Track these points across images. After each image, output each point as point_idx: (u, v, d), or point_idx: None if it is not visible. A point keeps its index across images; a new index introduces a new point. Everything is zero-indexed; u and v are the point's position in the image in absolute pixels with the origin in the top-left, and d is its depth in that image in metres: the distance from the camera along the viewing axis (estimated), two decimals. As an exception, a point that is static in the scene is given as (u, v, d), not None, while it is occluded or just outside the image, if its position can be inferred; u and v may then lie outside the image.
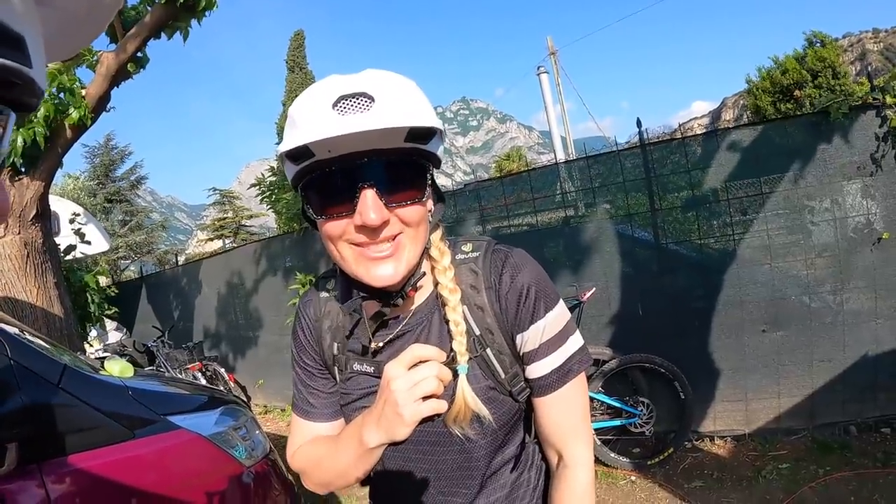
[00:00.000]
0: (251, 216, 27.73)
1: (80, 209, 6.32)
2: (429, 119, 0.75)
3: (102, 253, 8.81)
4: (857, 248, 3.51)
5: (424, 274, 0.87)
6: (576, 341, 0.91)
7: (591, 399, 3.70)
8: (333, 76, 0.76)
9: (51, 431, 1.77)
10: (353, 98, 0.71)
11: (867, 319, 3.52)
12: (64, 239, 4.83)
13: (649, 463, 3.61)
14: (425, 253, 0.88)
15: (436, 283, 0.90)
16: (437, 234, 0.91)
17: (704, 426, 3.88)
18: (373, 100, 0.71)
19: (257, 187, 6.34)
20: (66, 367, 1.92)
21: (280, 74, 29.96)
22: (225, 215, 27.66)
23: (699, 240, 3.91)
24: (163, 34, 3.61)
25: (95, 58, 3.53)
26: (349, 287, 0.89)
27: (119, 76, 3.55)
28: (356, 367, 0.93)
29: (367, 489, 1.07)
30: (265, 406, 6.65)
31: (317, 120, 0.71)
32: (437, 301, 0.90)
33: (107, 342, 6.83)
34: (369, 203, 0.74)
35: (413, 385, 0.74)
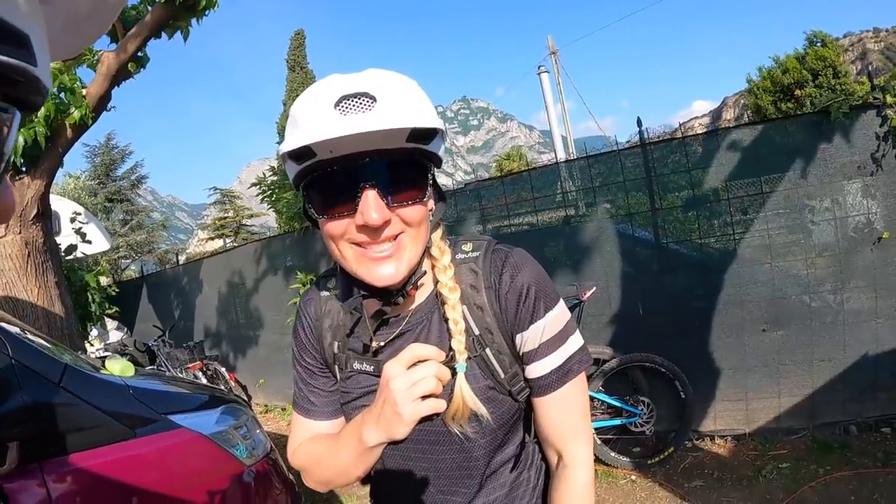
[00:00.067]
0: (252, 215, 27.74)
1: (80, 208, 6.32)
2: (430, 119, 0.75)
3: (103, 252, 8.83)
4: (857, 247, 3.51)
5: (425, 273, 0.88)
6: (576, 341, 0.91)
7: (592, 398, 3.70)
8: (335, 75, 0.76)
9: (52, 430, 1.77)
10: (355, 98, 0.71)
11: (867, 319, 3.52)
12: (65, 238, 4.84)
13: (649, 462, 3.61)
14: (426, 252, 0.88)
15: (436, 282, 0.90)
16: (438, 233, 0.91)
17: (705, 425, 3.88)
18: (375, 100, 0.71)
19: (258, 187, 6.35)
20: (67, 366, 1.92)
21: (281, 74, 29.97)
22: (226, 215, 27.67)
23: (700, 239, 3.91)
24: (163, 34, 3.61)
25: (96, 57, 3.53)
26: (350, 286, 0.89)
27: (120, 76, 3.55)
28: (356, 365, 0.93)
29: (367, 488, 1.08)
30: (266, 405, 6.65)
31: (318, 120, 0.72)
32: (437, 300, 0.90)
33: (108, 341, 6.84)
34: (371, 203, 0.75)
35: (412, 384, 0.74)
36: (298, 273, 5.27)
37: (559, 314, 0.90)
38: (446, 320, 0.87)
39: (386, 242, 0.79)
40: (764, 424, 3.75)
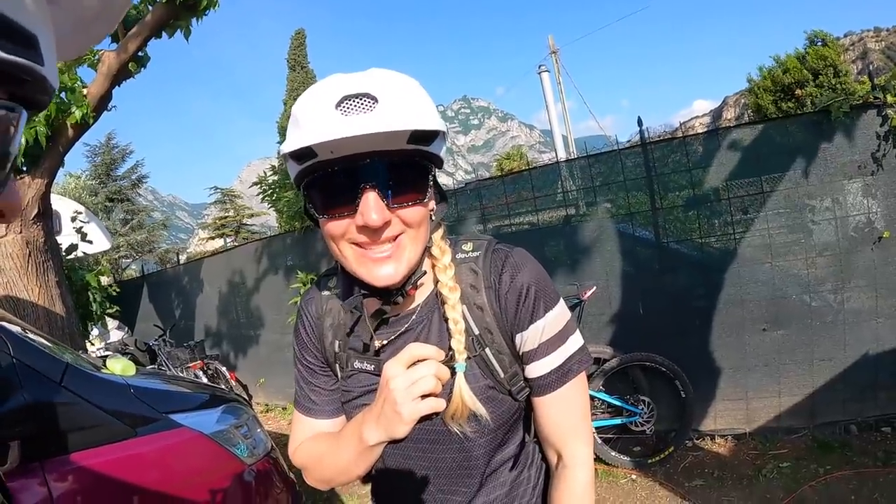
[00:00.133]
0: (252, 215, 27.76)
1: (81, 208, 6.33)
2: (432, 121, 0.75)
3: (104, 252, 8.83)
4: (857, 247, 3.51)
5: (425, 273, 0.88)
6: (576, 341, 0.91)
7: (592, 398, 3.70)
8: (337, 75, 0.76)
9: (53, 429, 1.78)
10: (357, 98, 0.71)
11: (868, 318, 3.52)
12: (65, 238, 4.84)
13: (650, 461, 3.62)
14: (426, 251, 0.88)
15: (436, 282, 0.90)
16: (439, 232, 0.91)
17: (705, 425, 3.89)
18: (376, 100, 0.71)
19: (258, 186, 6.35)
20: (69, 365, 1.93)
21: (281, 73, 29.99)
22: (226, 214, 27.69)
23: (700, 238, 3.91)
24: (164, 33, 3.62)
25: (97, 57, 3.54)
26: (351, 285, 0.89)
27: (120, 75, 3.56)
28: (357, 364, 0.93)
29: (368, 487, 1.08)
30: (266, 404, 6.66)
31: (320, 120, 0.72)
32: (438, 299, 0.91)
33: (108, 341, 6.85)
34: (371, 204, 0.75)
35: (411, 384, 0.75)
36: (299, 272, 5.28)
37: (559, 314, 0.90)
38: (446, 320, 0.87)
39: (386, 243, 0.79)
40: (764, 424, 3.75)
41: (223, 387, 5.40)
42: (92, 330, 5.64)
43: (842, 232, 3.53)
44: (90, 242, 5.19)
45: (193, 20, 3.63)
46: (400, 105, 0.72)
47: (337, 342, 0.96)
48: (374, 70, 0.76)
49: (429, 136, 0.76)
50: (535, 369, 0.89)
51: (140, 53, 3.58)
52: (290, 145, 0.73)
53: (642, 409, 3.68)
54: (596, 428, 3.71)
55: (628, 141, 4.42)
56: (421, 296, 0.93)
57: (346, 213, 0.77)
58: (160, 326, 6.92)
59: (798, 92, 16.28)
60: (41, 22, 0.32)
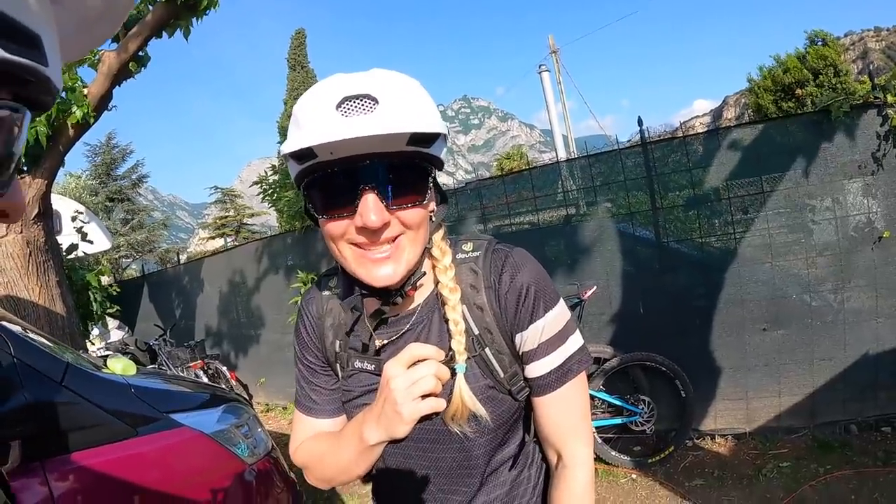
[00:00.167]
0: (252, 214, 27.79)
1: (81, 208, 6.33)
2: (432, 124, 0.75)
3: (104, 251, 8.84)
4: (858, 246, 3.51)
5: (425, 273, 0.88)
6: (575, 341, 0.91)
7: (593, 397, 3.71)
8: (338, 75, 0.77)
9: (54, 429, 1.78)
10: (357, 100, 0.71)
11: (868, 318, 3.52)
12: (66, 238, 4.84)
13: (650, 461, 3.62)
14: (426, 252, 0.88)
15: (436, 282, 0.91)
16: (440, 233, 0.91)
17: (705, 424, 3.89)
18: (376, 102, 0.71)
19: (259, 185, 6.35)
20: (69, 365, 1.93)
21: (281, 73, 30.00)
22: (226, 214, 27.72)
23: (700, 238, 3.91)
24: (164, 33, 3.62)
25: (97, 57, 3.54)
26: (351, 285, 0.90)
27: (121, 75, 3.56)
28: (357, 364, 0.93)
29: (368, 486, 1.08)
30: (267, 404, 6.66)
31: (320, 121, 0.72)
32: (438, 300, 0.91)
33: (109, 340, 6.85)
34: (370, 206, 0.75)
35: (411, 384, 0.75)
36: (299, 272, 5.28)
37: (559, 314, 0.90)
38: (446, 321, 0.87)
39: (385, 244, 0.79)
40: (764, 423, 3.75)
41: (224, 386, 5.40)
42: (92, 329, 5.65)
43: (842, 232, 3.53)
44: (90, 242, 5.20)
45: (193, 20, 3.63)
46: (400, 107, 0.72)
47: (338, 342, 0.96)
48: (375, 70, 0.77)
49: (429, 139, 0.76)
50: (535, 369, 0.90)
51: (140, 53, 3.58)
52: (290, 146, 0.73)
53: (642, 408, 3.69)
54: (596, 427, 3.71)
55: (628, 141, 4.41)
56: (421, 296, 0.93)
57: (346, 213, 0.78)
58: (160, 326, 6.93)
59: (798, 91, 16.28)
60: (45, 22, 0.33)
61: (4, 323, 1.98)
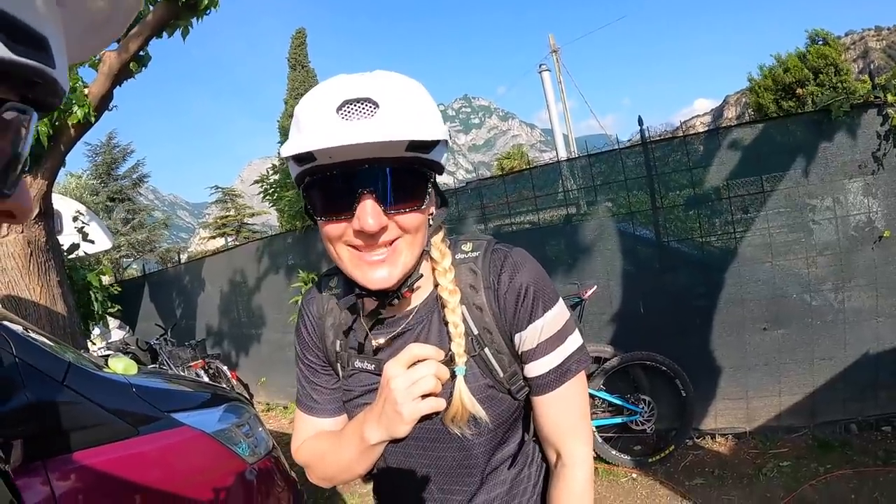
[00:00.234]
0: (253, 214, 27.81)
1: (82, 207, 6.35)
2: (432, 131, 0.75)
3: (105, 251, 8.85)
4: (858, 246, 3.51)
5: (422, 276, 0.88)
6: (574, 341, 0.92)
7: (593, 396, 3.71)
8: (341, 76, 0.77)
9: (55, 428, 1.78)
10: (358, 103, 0.72)
11: (868, 318, 3.52)
12: (67, 237, 4.85)
13: (650, 460, 3.62)
14: (426, 254, 0.89)
15: (436, 284, 0.91)
16: (439, 235, 0.91)
17: (705, 424, 3.89)
18: (377, 106, 0.71)
19: (260, 185, 6.36)
20: (71, 364, 1.93)
21: (282, 72, 30.00)
22: (227, 213, 27.74)
23: (700, 238, 3.91)
24: (164, 33, 3.62)
25: (98, 57, 3.54)
26: (351, 285, 0.90)
27: (121, 75, 3.56)
28: (357, 364, 0.94)
29: (369, 486, 1.09)
30: (267, 403, 6.67)
31: (320, 124, 0.72)
32: (437, 301, 0.91)
33: (110, 340, 6.86)
34: (368, 210, 0.75)
35: (412, 384, 0.76)
36: (300, 271, 5.28)
37: (558, 314, 0.90)
38: (446, 323, 0.88)
39: (382, 247, 0.80)
40: (765, 423, 3.75)
41: (224, 386, 5.41)
42: (93, 329, 5.65)
43: (842, 231, 3.53)
44: (91, 242, 5.20)
45: (193, 20, 3.64)
46: (400, 113, 0.72)
47: (338, 342, 0.97)
48: (378, 73, 0.77)
49: (428, 145, 0.76)
50: (534, 369, 0.90)
51: (141, 53, 3.59)
52: (290, 149, 0.74)
53: (643, 408, 3.69)
54: (597, 427, 3.71)
55: (629, 140, 4.42)
56: (420, 297, 0.93)
57: (344, 216, 0.78)
58: (161, 326, 6.93)
59: (799, 91, 16.27)
60: (52, 24, 0.33)
61: (6, 323, 1.98)
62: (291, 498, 2.36)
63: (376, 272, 0.80)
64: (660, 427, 3.75)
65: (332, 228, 0.80)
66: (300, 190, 0.82)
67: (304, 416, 1.03)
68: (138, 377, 2.32)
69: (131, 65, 3.54)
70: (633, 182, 4.11)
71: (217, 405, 2.36)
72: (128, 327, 8.39)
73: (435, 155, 0.79)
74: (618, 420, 3.75)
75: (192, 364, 5.87)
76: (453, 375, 0.83)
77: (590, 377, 3.70)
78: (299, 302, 1.09)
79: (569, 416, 0.93)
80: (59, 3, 0.35)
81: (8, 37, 0.29)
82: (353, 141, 0.68)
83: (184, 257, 12.84)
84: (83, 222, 5.21)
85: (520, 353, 0.91)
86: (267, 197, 6.43)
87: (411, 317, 0.92)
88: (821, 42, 17.41)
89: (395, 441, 0.81)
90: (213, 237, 27.02)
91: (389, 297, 0.85)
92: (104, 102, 3.58)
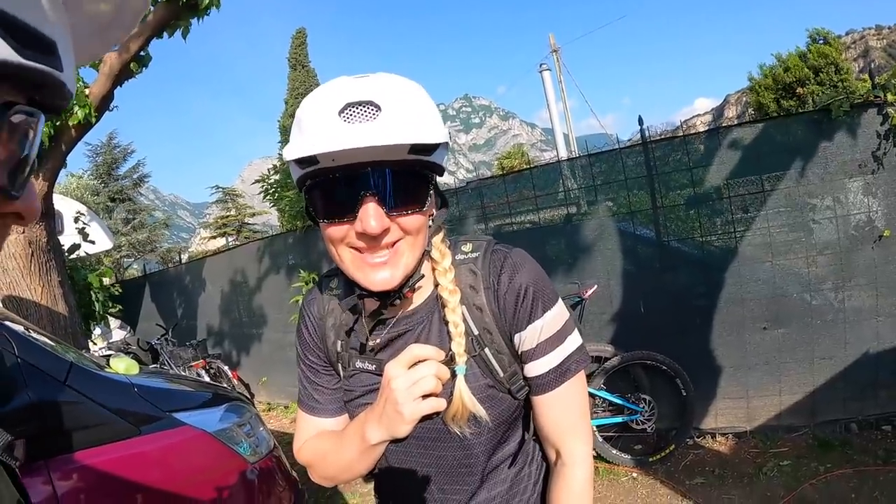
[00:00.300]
0: (254, 214, 27.80)
1: (83, 208, 6.35)
2: (433, 134, 0.75)
3: (106, 251, 8.86)
4: (858, 245, 3.51)
5: (423, 276, 0.89)
6: (574, 341, 0.92)
7: (594, 396, 3.71)
8: (342, 77, 0.77)
9: (57, 428, 1.79)
10: (360, 106, 0.72)
11: (868, 317, 3.52)
12: (68, 238, 4.86)
13: (651, 459, 3.62)
14: (426, 255, 0.89)
15: (436, 284, 0.91)
16: (439, 236, 0.92)
17: (706, 423, 3.89)
18: (379, 109, 0.72)
19: (260, 184, 6.36)
20: (73, 364, 1.94)
21: (282, 71, 30.01)
22: (228, 213, 27.74)
23: (701, 237, 3.91)
24: (164, 33, 3.62)
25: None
26: (351, 286, 0.90)
27: (122, 75, 3.57)
28: (358, 364, 0.94)
29: (370, 485, 1.09)
30: (268, 403, 6.67)
31: (322, 127, 0.72)
32: (438, 301, 0.92)
33: (111, 340, 6.87)
34: (370, 212, 0.76)
35: (412, 384, 0.76)
36: (301, 271, 5.29)
37: (557, 314, 0.91)
38: (446, 323, 0.88)
39: (383, 249, 0.80)
40: (765, 422, 3.75)
41: (225, 385, 5.42)
42: (94, 329, 5.66)
43: (842, 230, 3.53)
44: (92, 242, 5.21)
45: (194, 20, 3.64)
46: (402, 116, 0.73)
47: (339, 342, 0.97)
48: (380, 75, 0.77)
49: (430, 148, 0.77)
50: (534, 368, 0.90)
51: (142, 53, 3.59)
52: (292, 152, 0.74)
53: (643, 407, 3.69)
54: (597, 426, 3.71)
55: (629, 139, 4.42)
56: (421, 297, 0.94)
57: (346, 219, 0.78)
58: (162, 326, 6.94)
59: (799, 90, 16.27)
60: (60, 28, 0.33)
61: (8, 323, 1.99)
62: (293, 497, 2.37)
63: (378, 274, 0.81)
64: (660, 426, 3.76)
65: (334, 231, 0.81)
66: (302, 192, 0.83)
67: (305, 417, 1.04)
68: (140, 377, 2.32)
69: (132, 65, 3.55)
70: (634, 181, 4.11)
71: (218, 405, 2.37)
72: (129, 327, 8.40)
73: (436, 157, 0.80)
74: (618, 419, 3.75)
75: (193, 364, 5.88)
76: (454, 375, 0.84)
77: (590, 376, 3.71)
78: (300, 302, 1.10)
79: (568, 416, 0.93)
80: (67, 6, 0.35)
81: (16, 41, 0.29)
82: (356, 145, 0.69)
83: (184, 257, 12.85)
84: (84, 223, 5.21)
85: (519, 353, 0.91)
86: (268, 197, 6.44)
87: (412, 317, 0.92)
88: (821, 41, 17.41)
89: (396, 441, 0.81)
90: (214, 237, 27.03)
91: (391, 297, 0.85)
92: (105, 103, 3.58)
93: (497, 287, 0.90)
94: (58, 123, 3.39)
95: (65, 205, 6.08)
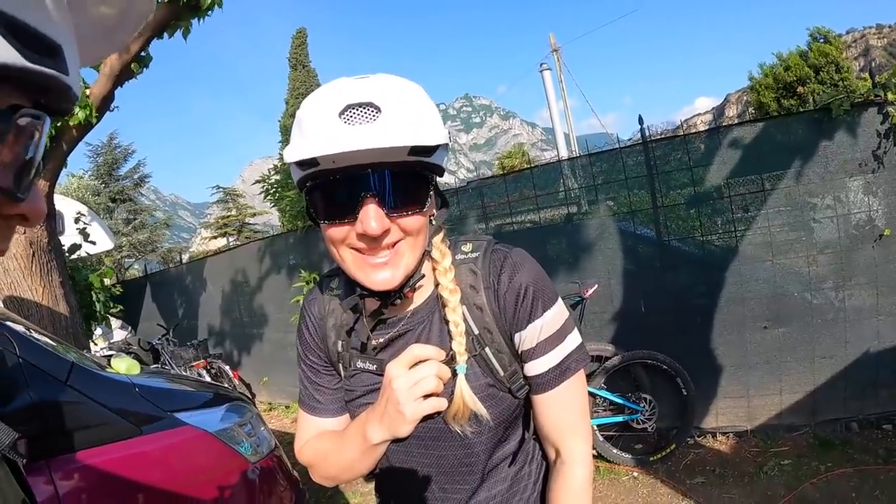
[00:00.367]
0: (255, 214, 27.79)
1: (84, 208, 6.36)
2: (433, 135, 0.76)
3: (107, 251, 8.86)
4: (858, 244, 3.51)
5: (424, 276, 0.89)
6: (574, 340, 0.92)
7: (594, 395, 3.72)
8: (342, 79, 0.77)
9: (59, 428, 1.79)
10: (360, 108, 0.72)
11: (869, 316, 3.52)
12: (68, 238, 4.86)
13: (651, 459, 3.63)
14: (426, 255, 0.89)
15: (436, 284, 0.92)
16: (439, 236, 0.92)
17: (706, 422, 3.89)
18: (379, 110, 0.72)
19: (261, 184, 6.36)
20: (74, 364, 1.94)
21: (283, 71, 30.01)
22: (228, 213, 27.73)
23: (701, 236, 3.91)
24: (164, 33, 3.62)
25: (99, 58, 3.54)
26: (352, 286, 0.91)
27: (123, 76, 3.56)
28: (359, 364, 0.95)
29: (371, 484, 1.10)
30: (269, 403, 6.68)
31: (323, 129, 0.73)
32: (438, 301, 0.92)
33: (112, 340, 6.87)
34: (371, 213, 0.76)
35: (413, 384, 0.77)
36: (302, 271, 5.29)
37: (557, 313, 0.91)
38: (447, 322, 0.89)
39: (384, 249, 0.81)
40: (765, 421, 3.76)
41: (226, 385, 5.42)
42: (95, 329, 5.66)
43: (843, 230, 3.53)
44: (93, 243, 5.21)
45: (195, 20, 3.64)
46: (402, 118, 0.73)
47: (340, 342, 0.98)
48: (380, 76, 0.77)
49: (430, 149, 0.77)
50: (534, 368, 0.91)
51: (142, 53, 3.59)
52: (293, 154, 0.74)
53: (644, 406, 3.69)
54: (598, 425, 3.72)
55: (630, 139, 4.42)
56: (421, 297, 0.94)
57: (347, 220, 0.79)
58: (163, 326, 6.94)
59: (800, 89, 16.25)
60: (65, 32, 0.33)
61: (9, 323, 1.99)
62: (294, 497, 2.37)
63: (379, 274, 0.81)
64: (661, 426, 3.76)
65: (335, 232, 0.81)
66: (302, 193, 0.83)
67: (306, 417, 1.04)
68: (141, 377, 2.33)
69: (132, 65, 3.54)
70: (634, 181, 4.11)
71: (219, 405, 2.37)
72: (130, 327, 8.40)
73: (436, 158, 0.80)
74: (619, 419, 3.76)
75: (194, 364, 5.88)
76: (454, 374, 0.84)
77: (591, 376, 3.71)
78: (301, 302, 1.10)
79: (568, 415, 0.94)
80: (72, 10, 0.35)
81: (23, 44, 0.30)
82: (356, 147, 0.69)
83: (185, 257, 12.86)
84: (85, 223, 5.21)
85: (520, 352, 0.92)
86: (268, 197, 6.44)
87: (413, 317, 0.93)
88: (822, 40, 17.40)
89: (397, 440, 0.82)
90: (215, 237, 27.02)
91: (391, 297, 0.86)
92: (105, 103, 3.58)
93: (497, 286, 0.90)
94: (59, 124, 3.39)
95: (66, 205, 6.09)
